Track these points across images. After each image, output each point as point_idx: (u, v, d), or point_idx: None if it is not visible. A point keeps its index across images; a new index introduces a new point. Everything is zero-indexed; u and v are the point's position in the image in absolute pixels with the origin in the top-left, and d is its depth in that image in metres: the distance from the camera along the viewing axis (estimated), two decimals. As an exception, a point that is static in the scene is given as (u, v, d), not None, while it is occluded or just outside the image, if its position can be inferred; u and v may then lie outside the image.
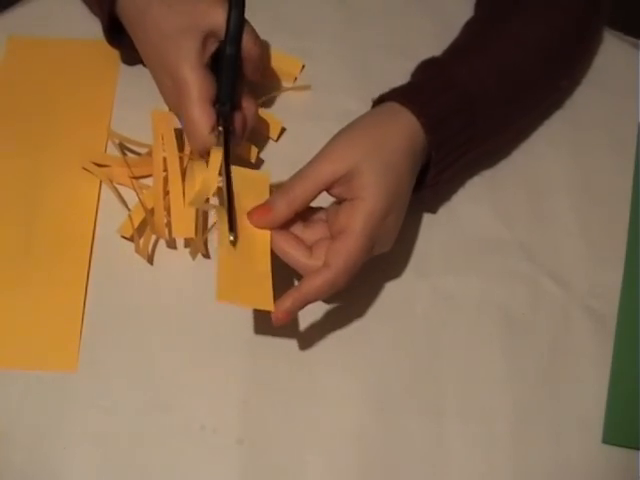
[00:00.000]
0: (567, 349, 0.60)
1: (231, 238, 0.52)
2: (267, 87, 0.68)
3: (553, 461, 0.56)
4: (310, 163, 0.54)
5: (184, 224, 0.58)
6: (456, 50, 0.62)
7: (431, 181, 0.58)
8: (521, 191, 0.65)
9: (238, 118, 0.58)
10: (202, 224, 0.60)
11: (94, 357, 0.57)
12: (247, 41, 0.58)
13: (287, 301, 0.52)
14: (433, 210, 0.64)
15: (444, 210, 0.64)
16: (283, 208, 0.53)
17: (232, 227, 0.52)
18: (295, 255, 0.53)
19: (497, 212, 0.64)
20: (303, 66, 0.69)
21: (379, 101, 0.58)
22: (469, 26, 0.65)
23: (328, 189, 0.53)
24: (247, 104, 0.59)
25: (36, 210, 0.61)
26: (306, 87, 0.68)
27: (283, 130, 0.66)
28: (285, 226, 0.54)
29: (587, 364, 0.59)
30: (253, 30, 0.59)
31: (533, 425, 0.57)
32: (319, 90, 0.68)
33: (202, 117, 0.56)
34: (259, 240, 0.53)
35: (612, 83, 0.70)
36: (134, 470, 0.54)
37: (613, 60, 0.71)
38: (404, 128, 0.55)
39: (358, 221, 0.52)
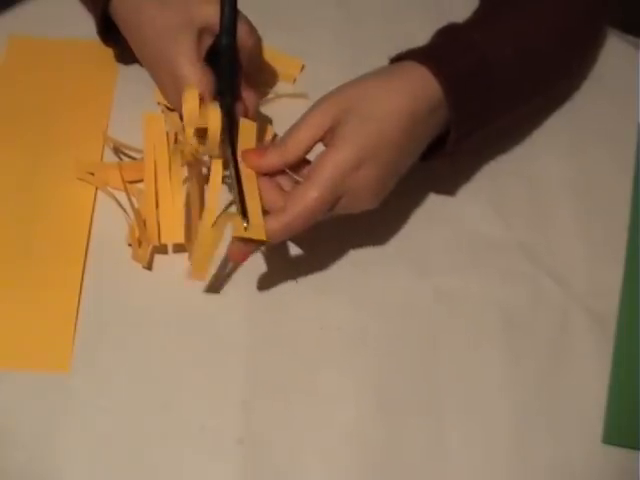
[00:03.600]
0: (567, 349, 0.60)
1: (245, 225, 0.52)
2: (267, 87, 0.68)
3: (553, 461, 0.56)
4: (303, 114, 0.54)
5: (173, 229, 0.58)
6: (474, 21, 0.62)
7: (450, 148, 0.57)
8: (521, 191, 0.65)
9: (239, 109, 0.58)
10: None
11: (94, 357, 0.57)
12: (241, 31, 0.58)
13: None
14: (433, 210, 0.64)
15: (444, 210, 0.64)
16: (275, 158, 0.54)
17: (245, 214, 0.52)
18: (272, 224, 0.53)
19: (497, 212, 0.64)
20: (302, 66, 0.69)
21: (396, 60, 0.58)
22: (481, 7, 0.64)
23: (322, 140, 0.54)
24: (247, 94, 0.59)
25: (33, 210, 0.61)
26: (302, 95, 0.68)
27: (275, 136, 0.65)
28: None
29: (587, 364, 0.59)
30: (247, 20, 0.59)
31: (533, 425, 0.57)
32: (318, 90, 0.68)
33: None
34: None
35: (612, 83, 0.70)
36: (134, 470, 0.54)
37: (613, 60, 0.71)
38: (411, 83, 0.54)
39: (323, 169, 0.52)
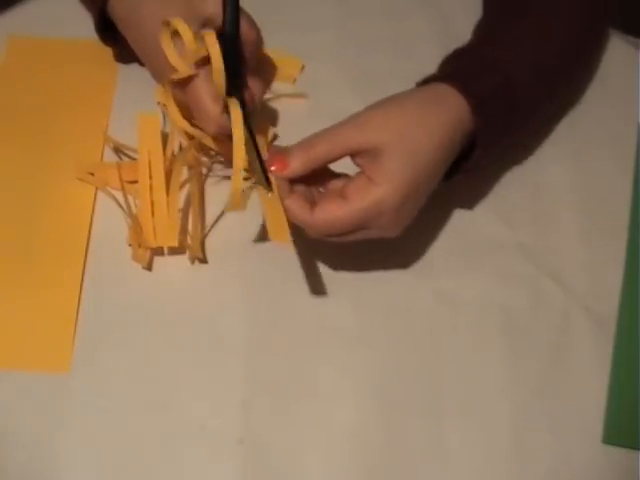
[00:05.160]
0: (567, 350, 0.60)
1: (269, 195, 0.53)
2: (265, 86, 0.68)
3: (553, 461, 0.56)
4: (340, 126, 0.53)
5: (167, 232, 0.58)
6: (487, 40, 0.61)
7: (472, 165, 0.57)
8: (521, 191, 0.65)
9: (248, 95, 0.58)
10: (200, 229, 0.60)
11: (94, 357, 0.57)
12: (243, 25, 0.58)
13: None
14: (434, 212, 0.64)
15: (444, 210, 0.64)
16: (299, 166, 0.52)
17: (269, 183, 0.53)
18: (295, 209, 0.53)
19: (497, 212, 0.64)
20: (302, 66, 0.69)
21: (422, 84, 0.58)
22: (487, 22, 0.64)
23: (351, 156, 0.53)
24: (253, 83, 0.59)
25: (33, 211, 0.61)
26: (302, 95, 0.68)
27: (276, 136, 0.65)
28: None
29: (587, 364, 0.59)
30: (248, 15, 0.59)
31: (533, 425, 0.57)
32: (318, 90, 0.68)
33: (212, 98, 0.56)
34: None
35: (612, 83, 0.70)
36: (134, 470, 0.54)
37: (613, 60, 0.71)
38: (448, 114, 0.54)
39: (362, 202, 0.52)
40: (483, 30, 0.63)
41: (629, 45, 0.72)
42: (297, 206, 0.53)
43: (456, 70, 0.58)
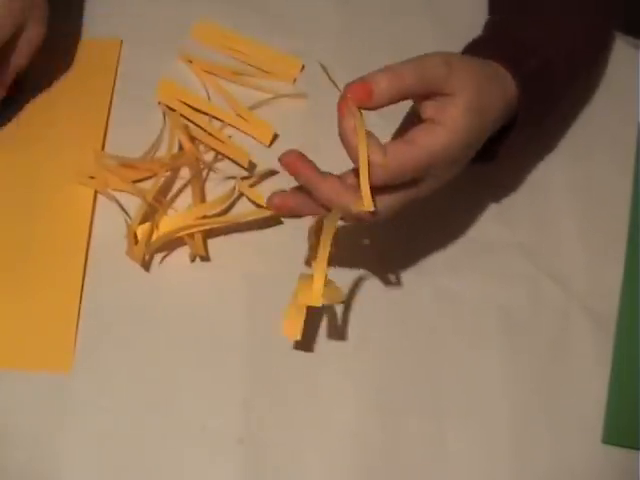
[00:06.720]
0: (567, 349, 0.60)
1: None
2: (266, 87, 0.68)
3: (553, 461, 0.56)
4: (427, 61, 0.50)
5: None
6: (517, 24, 0.61)
7: (509, 142, 0.57)
8: (521, 191, 0.65)
9: None
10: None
11: (94, 357, 0.57)
12: None
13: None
14: (434, 210, 0.64)
15: (444, 210, 0.64)
16: (386, 96, 0.48)
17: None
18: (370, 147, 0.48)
19: (497, 212, 0.64)
20: (302, 66, 0.69)
21: (469, 50, 0.57)
22: (503, 16, 0.64)
23: (423, 96, 0.50)
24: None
25: (33, 211, 0.61)
26: (302, 95, 0.68)
27: (276, 136, 0.65)
28: None
29: (587, 364, 0.59)
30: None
31: (533, 425, 0.57)
32: (318, 90, 0.68)
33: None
34: None
35: (612, 83, 0.70)
36: (134, 470, 0.54)
37: (614, 61, 0.71)
38: (504, 90, 0.54)
39: (431, 143, 0.49)
40: (506, 18, 0.62)
41: (629, 46, 0.72)
42: (373, 143, 0.48)
43: (498, 52, 0.56)
